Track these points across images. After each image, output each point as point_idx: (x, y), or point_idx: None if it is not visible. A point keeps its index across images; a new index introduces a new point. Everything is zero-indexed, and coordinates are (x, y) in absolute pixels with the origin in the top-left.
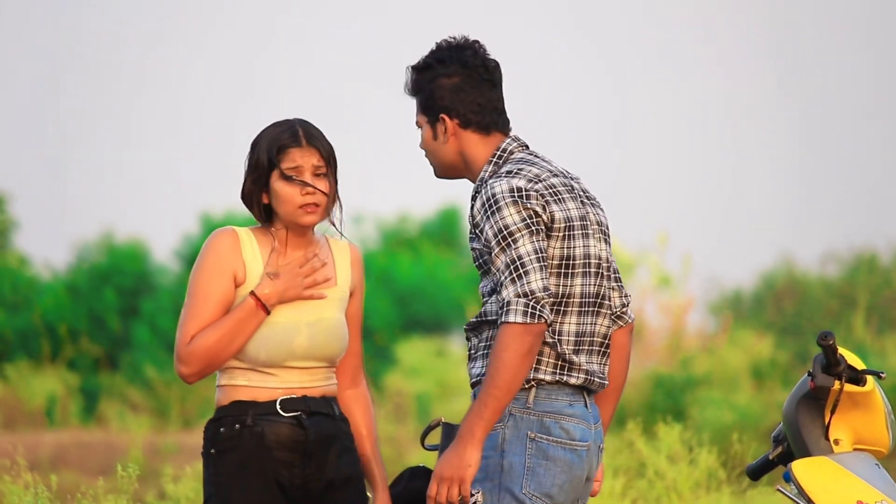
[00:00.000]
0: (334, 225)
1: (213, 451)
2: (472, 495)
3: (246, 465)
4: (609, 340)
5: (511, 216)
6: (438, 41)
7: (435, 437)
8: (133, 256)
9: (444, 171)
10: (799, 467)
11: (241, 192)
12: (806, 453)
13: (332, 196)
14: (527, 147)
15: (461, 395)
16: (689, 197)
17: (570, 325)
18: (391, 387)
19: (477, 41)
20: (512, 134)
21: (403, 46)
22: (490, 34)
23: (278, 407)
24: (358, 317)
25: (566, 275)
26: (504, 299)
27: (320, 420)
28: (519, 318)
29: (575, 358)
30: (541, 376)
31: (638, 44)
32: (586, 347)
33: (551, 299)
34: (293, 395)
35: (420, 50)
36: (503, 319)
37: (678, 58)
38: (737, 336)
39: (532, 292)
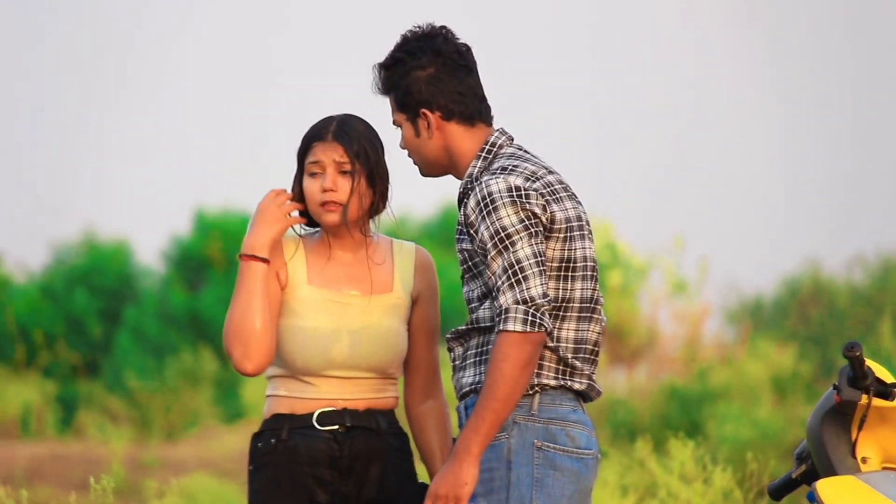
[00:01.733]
0: (345, 223)
1: (251, 467)
2: None
3: (279, 483)
4: (599, 348)
5: (508, 217)
6: (403, 33)
7: None
8: (115, 257)
9: (430, 168)
10: (824, 487)
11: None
12: (831, 472)
13: (360, 195)
14: (512, 140)
15: None
16: (706, 197)
17: (570, 331)
18: None
19: (444, 26)
20: (497, 126)
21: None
22: (505, 33)
23: (314, 420)
24: (427, 325)
25: (566, 278)
26: (501, 306)
27: (361, 434)
28: (518, 327)
29: (577, 363)
30: (544, 381)
31: (656, 41)
32: (582, 355)
33: (550, 305)
34: (333, 408)
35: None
36: (501, 327)
37: (696, 55)
38: (757, 346)
39: (532, 298)
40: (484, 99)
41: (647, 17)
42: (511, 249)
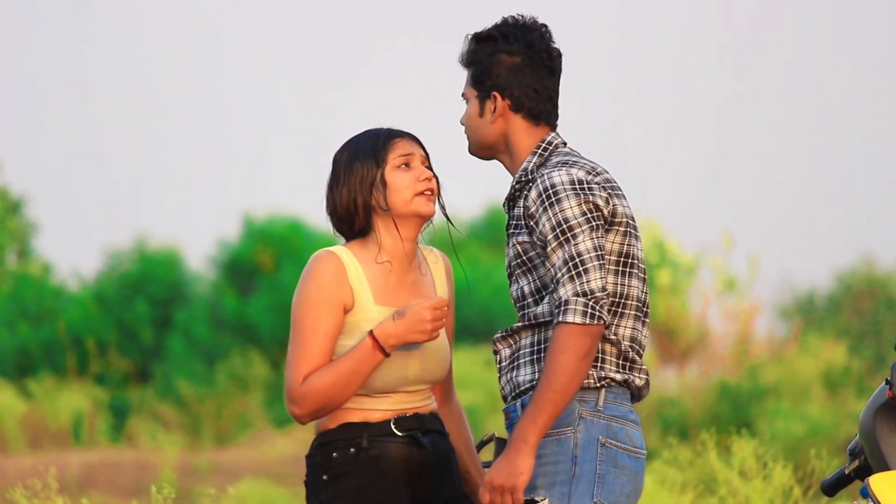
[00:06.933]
0: (445, 214)
1: (325, 476)
2: (537, 502)
3: (364, 490)
4: (644, 350)
5: (571, 209)
6: (505, 16)
7: (487, 454)
8: (166, 263)
9: (480, 149)
10: (877, 482)
11: (331, 208)
12: (885, 467)
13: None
14: (566, 144)
15: None
16: (755, 193)
17: (627, 328)
18: None
19: (545, 24)
20: (556, 130)
21: (455, 49)
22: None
23: (393, 426)
24: (451, 330)
25: (624, 273)
26: (561, 298)
27: (435, 438)
28: (578, 319)
29: (637, 357)
30: (610, 374)
31: (699, 35)
32: (637, 352)
33: (609, 299)
34: (406, 414)
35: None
36: (560, 319)
37: (742, 47)
38: (808, 342)
39: (591, 291)
40: (556, 105)
41: (689, 12)
42: (573, 241)
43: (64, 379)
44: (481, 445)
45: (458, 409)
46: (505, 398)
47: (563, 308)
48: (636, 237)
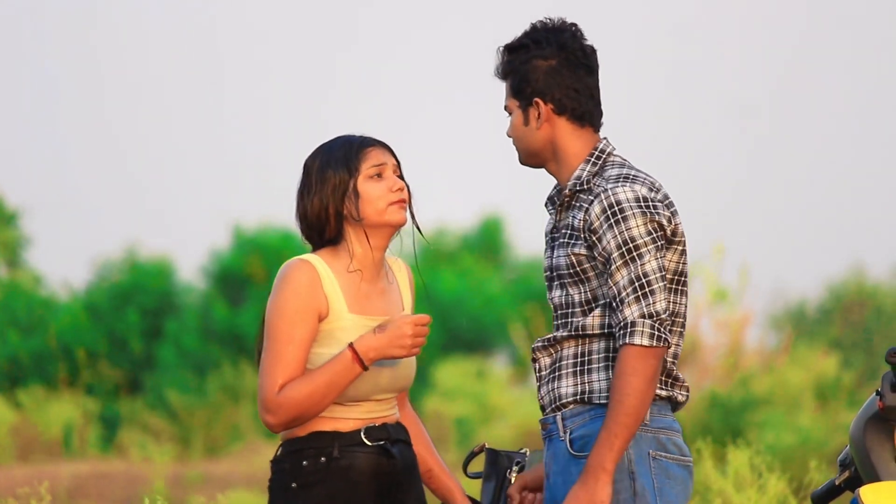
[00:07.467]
0: (416, 224)
1: (294, 484)
2: None
3: (334, 500)
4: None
5: (637, 228)
6: (533, 22)
7: (478, 465)
8: (157, 274)
9: (530, 157)
10: (868, 493)
11: (301, 215)
12: (875, 478)
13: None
14: (615, 149)
15: (503, 419)
16: (746, 203)
17: (674, 346)
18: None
19: (575, 24)
20: (603, 135)
21: (452, 55)
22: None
23: (363, 436)
24: None
25: (678, 292)
26: (627, 319)
27: (402, 447)
28: (646, 341)
29: (680, 374)
30: (656, 391)
31: (683, 41)
32: (678, 372)
33: (671, 320)
34: (375, 424)
35: (470, 53)
36: (627, 341)
37: (739, 55)
38: (799, 352)
39: (657, 313)
40: (599, 103)
41: (669, 24)
42: (639, 262)
43: (54, 389)
44: (471, 456)
45: (412, 411)
46: (543, 409)
47: (629, 330)
48: (685, 252)
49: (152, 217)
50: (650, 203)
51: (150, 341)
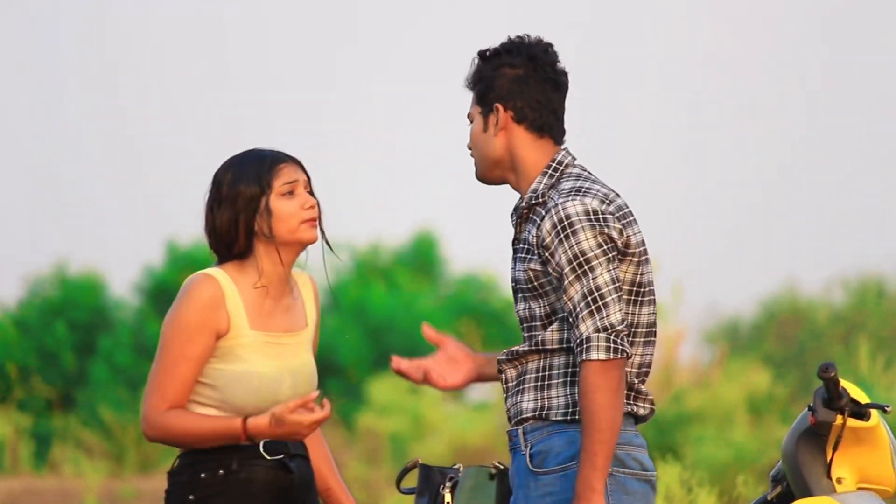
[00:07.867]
0: (325, 241)
1: (191, 497)
2: None
3: None
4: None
5: (587, 241)
6: (511, 36)
7: (411, 480)
8: (88, 289)
9: (488, 168)
10: None
11: (210, 228)
12: (807, 493)
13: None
14: (575, 159)
15: (437, 435)
16: (680, 219)
17: (636, 356)
18: (363, 427)
19: (551, 44)
20: (564, 146)
21: (379, 63)
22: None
23: (262, 450)
24: (316, 349)
25: (636, 303)
26: (582, 335)
27: (300, 462)
28: (602, 355)
29: (642, 388)
30: None
31: (642, 53)
32: (643, 378)
33: (627, 330)
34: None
35: (404, 64)
36: (584, 357)
37: (675, 64)
38: (732, 368)
39: (612, 325)
40: (561, 120)
41: (622, 34)
42: (590, 275)
43: None
44: (405, 472)
45: (317, 429)
46: (509, 420)
47: (585, 346)
48: (648, 262)
49: (84, 233)
50: (600, 216)
51: (83, 357)
